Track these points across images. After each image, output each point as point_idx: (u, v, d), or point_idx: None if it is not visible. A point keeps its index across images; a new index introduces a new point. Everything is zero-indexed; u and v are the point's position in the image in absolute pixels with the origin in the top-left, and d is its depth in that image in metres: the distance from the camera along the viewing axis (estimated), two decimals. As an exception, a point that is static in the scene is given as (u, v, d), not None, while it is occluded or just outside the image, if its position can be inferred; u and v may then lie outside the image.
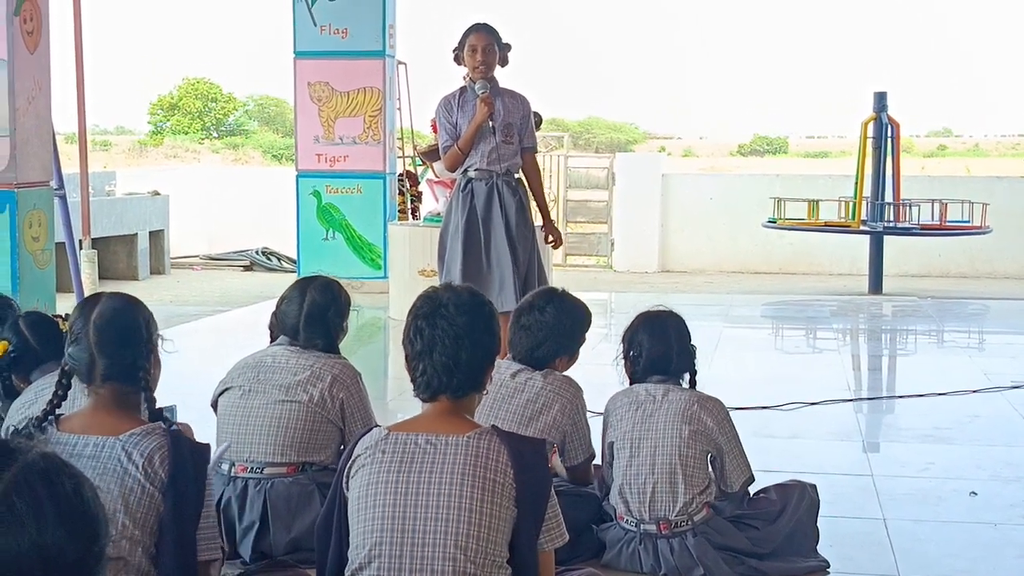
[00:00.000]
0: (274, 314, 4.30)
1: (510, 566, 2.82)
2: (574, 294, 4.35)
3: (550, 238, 6.47)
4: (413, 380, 2.92)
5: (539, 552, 2.87)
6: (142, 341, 2.93)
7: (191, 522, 2.83)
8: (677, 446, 3.92)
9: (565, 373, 4.20)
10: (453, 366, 2.85)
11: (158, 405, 3.02)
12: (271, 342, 4.29)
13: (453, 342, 2.85)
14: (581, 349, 4.29)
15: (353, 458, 2.89)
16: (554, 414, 4.04)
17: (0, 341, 3.93)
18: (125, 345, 2.89)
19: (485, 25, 6.22)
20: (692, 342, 4.15)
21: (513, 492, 2.79)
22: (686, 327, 4.16)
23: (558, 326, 4.14)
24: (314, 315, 4.18)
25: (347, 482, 2.89)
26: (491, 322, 2.95)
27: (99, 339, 2.87)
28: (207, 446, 2.95)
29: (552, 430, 4.02)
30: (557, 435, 4.04)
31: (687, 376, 4.15)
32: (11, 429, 2.97)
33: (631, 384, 4.15)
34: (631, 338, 4.15)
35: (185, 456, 2.83)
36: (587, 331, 4.30)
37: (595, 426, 4.21)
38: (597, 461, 4.26)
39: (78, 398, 3.02)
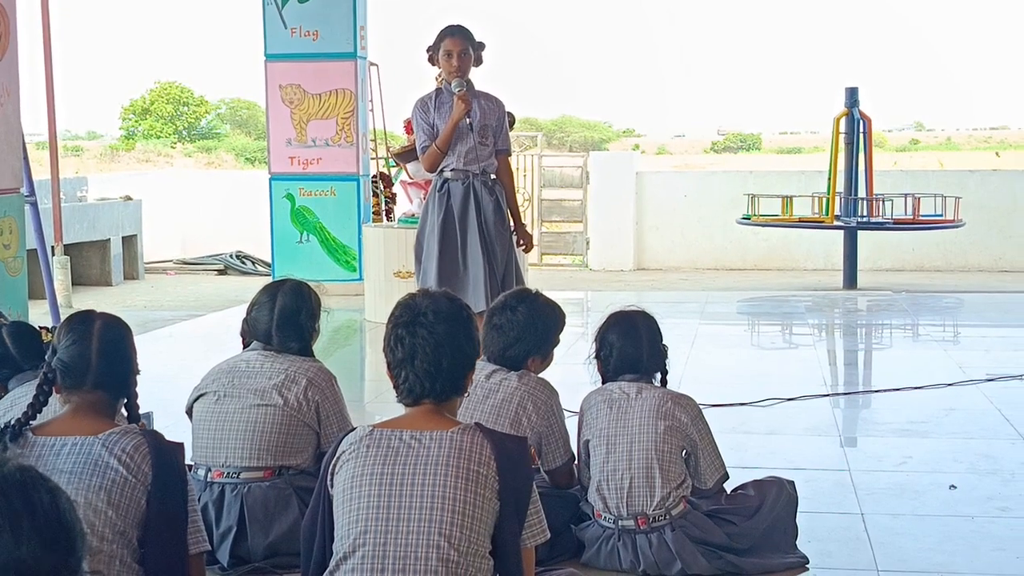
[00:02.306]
0: (245, 320, 4.28)
1: (492, 558, 2.85)
2: (549, 294, 4.35)
3: (521, 242, 6.46)
4: (396, 387, 2.97)
5: (520, 548, 2.90)
6: (133, 359, 3.11)
7: (180, 517, 2.92)
8: (653, 441, 3.93)
9: (540, 375, 4.20)
10: (435, 373, 2.91)
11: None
12: (244, 349, 4.28)
13: (434, 350, 2.90)
14: (557, 350, 4.28)
15: (337, 455, 2.94)
16: (528, 414, 4.03)
17: None
18: (122, 357, 3.06)
19: (459, 28, 6.22)
20: (663, 341, 4.17)
21: (496, 485, 2.84)
22: (657, 326, 4.18)
23: (530, 326, 4.14)
24: (286, 318, 4.17)
25: (331, 479, 2.93)
26: (469, 327, 3.00)
27: (101, 346, 3.00)
28: (181, 444, 3.04)
29: (528, 430, 4.01)
30: (532, 436, 4.03)
31: (658, 375, 4.16)
32: None
33: (603, 383, 4.16)
34: (602, 337, 4.16)
35: (165, 453, 2.92)
36: (561, 333, 4.29)
37: (570, 426, 4.21)
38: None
39: (50, 408, 3.08)
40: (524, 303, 4.17)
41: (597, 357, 4.18)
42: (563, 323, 4.30)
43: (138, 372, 3.13)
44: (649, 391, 4.05)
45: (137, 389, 3.13)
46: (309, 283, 4.36)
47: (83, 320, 3.07)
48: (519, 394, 4.04)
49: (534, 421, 4.04)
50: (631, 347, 4.11)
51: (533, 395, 4.06)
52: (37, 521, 1.54)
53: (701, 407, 4.15)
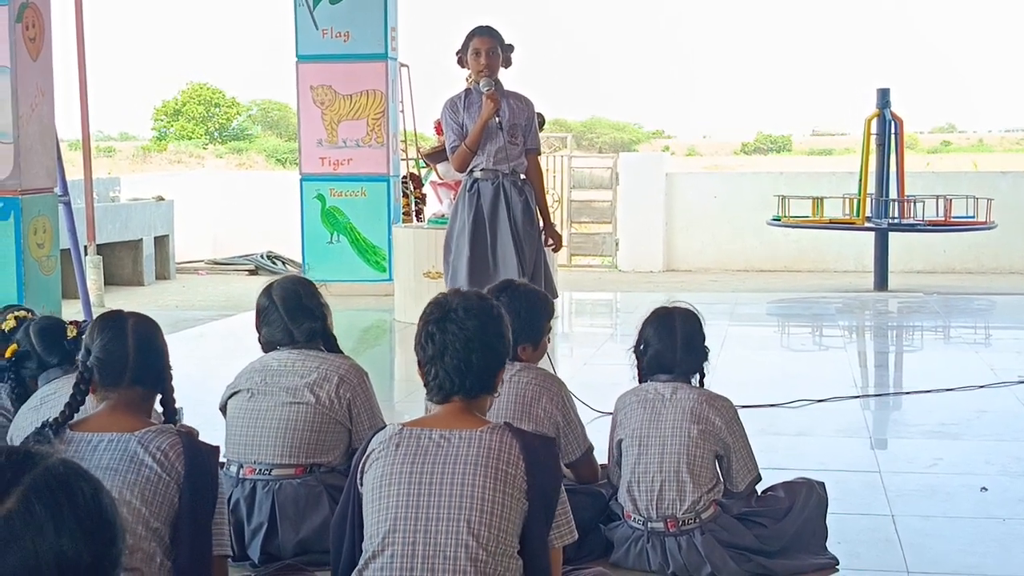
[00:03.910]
0: (260, 338, 4.29)
1: (521, 558, 2.87)
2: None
3: (550, 241, 6.46)
4: (426, 384, 2.99)
5: (548, 548, 2.91)
6: (166, 354, 3.17)
7: (207, 517, 2.94)
8: (685, 445, 3.92)
9: (543, 367, 4.21)
10: (464, 369, 2.92)
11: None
12: None
13: (463, 346, 2.92)
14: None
15: (367, 453, 2.96)
16: (544, 406, 4.04)
17: (11, 344, 3.99)
18: (157, 352, 3.12)
19: (488, 28, 6.23)
20: (704, 342, 4.08)
21: (524, 485, 2.86)
22: (698, 326, 4.08)
23: (512, 314, 4.12)
24: (292, 306, 4.19)
25: (361, 477, 2.96)
26: (500, 325, 3.02)
27: (136, 342, 3.06)
28: (217, 448, 3.10)
29: (545, 421, 4.02)
30: (551, 427, 4.04)
31: (696, 376, 4.12)
32: (27, 435, 3.04)
33: (640, 381, 4.14)
34: (641, 333, 4.12)
35: (199, 453, 2.97)
36: (549, 320, 4.28)
37: (604, 425, 4.21)
38: (604, 460, 4.26)
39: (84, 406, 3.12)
40: (505, 293, 4.16)
41: (636, 352, 4.15)
42: (550, 311, 4.30)
43: (171, 369, 3.17)
44: (684, 392, 4.01)
45: (172, 384, 3.18)
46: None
47: (115, 318, 3.12)
48: (533, 387, 4.06)
49: (551, 412, 4.05)
50: (666, 349, 4.04)
51: (546, 387, 4.08)
52: (79, 513, 1.55)
53: (732, 408, 4.13)
